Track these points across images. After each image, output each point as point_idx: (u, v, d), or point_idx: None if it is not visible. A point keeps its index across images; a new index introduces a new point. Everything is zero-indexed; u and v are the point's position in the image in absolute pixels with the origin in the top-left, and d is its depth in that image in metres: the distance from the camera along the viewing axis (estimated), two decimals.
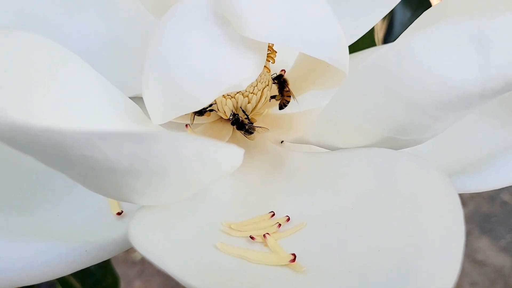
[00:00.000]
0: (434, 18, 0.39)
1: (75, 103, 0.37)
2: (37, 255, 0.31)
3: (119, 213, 0.37)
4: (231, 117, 0.43)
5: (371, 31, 0.64)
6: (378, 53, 0.31)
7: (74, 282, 0.68)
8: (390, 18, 0.78)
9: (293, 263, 0.32)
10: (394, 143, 0.35)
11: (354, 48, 0.51)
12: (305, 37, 0.36)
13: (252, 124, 0.43)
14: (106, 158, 0.24)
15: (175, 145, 0.26)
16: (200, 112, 0.43)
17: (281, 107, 0.45)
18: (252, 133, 0.43)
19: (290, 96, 0.44)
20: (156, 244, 0.30)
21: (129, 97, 0.41)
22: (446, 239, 0.27)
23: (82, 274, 0.69)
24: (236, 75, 0.36)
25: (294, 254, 0.32)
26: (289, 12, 0.36)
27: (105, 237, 0.33)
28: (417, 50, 0.30)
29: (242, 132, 0.43)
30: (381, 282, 0.28)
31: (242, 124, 0.42)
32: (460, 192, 0.36)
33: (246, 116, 0.43)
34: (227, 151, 0.30)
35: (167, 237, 0.32)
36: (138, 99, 0.41)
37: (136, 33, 0.47)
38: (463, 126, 0.40)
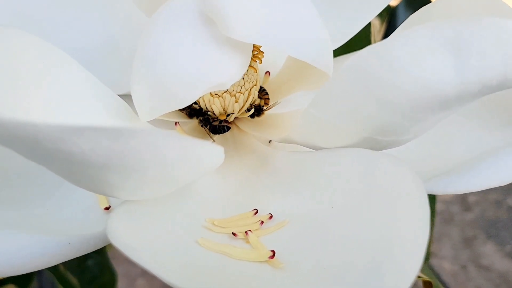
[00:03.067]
0: (420, 21, 0.39)
1: (64, 101, 0.38)
2: (21, 247, 0.32)
3: (107, 208, 0.38)
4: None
5: (368, 33, 0.64)
6: (358, 54, 0.31)
7: (71, 277, 0.69)
8: (389, 20, 0.78)
9: (272, 259, 0.32)
10: (374, 144, 0.35)
11: (350, 50, 0.51)
12: (288, 39, 0.37)
13: (218, 122, 0.43)
14: (82, 152, 0.25)
15: (152, 142, 0.27)
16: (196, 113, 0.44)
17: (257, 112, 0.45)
18: (218, 132, 0.43)
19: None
20: (134, 239, 0.30)
21: (120, 95, 0.42)
22: (412, 240, 0.27)
23: (79, 270, 0.70)
24: (220, 74, 0.37)
25: (273, 251, 0.33)
26: (273, 13, 0.36)
27: (91, 231, 0.34)
28: (396, 52, 0.30)
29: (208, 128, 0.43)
30: (354, 279, 0.28)
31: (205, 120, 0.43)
32: (442, 194, 0.37)
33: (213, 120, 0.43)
34: (206, 149, 0.31)
35: (147, 231, 0.32)
36: (128, 97, 0.42)
37: (130, 33, 0.48)
38: (448, 128, 0.40)
